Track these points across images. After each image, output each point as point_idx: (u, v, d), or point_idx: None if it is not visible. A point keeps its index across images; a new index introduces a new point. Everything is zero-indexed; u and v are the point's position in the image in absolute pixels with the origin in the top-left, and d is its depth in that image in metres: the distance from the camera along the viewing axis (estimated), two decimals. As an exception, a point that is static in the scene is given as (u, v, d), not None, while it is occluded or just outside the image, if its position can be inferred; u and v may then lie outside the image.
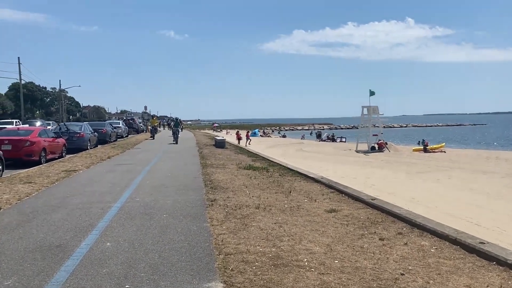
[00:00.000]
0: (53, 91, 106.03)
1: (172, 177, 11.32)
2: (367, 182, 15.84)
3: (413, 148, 34.91)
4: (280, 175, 11.77)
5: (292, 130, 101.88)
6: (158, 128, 43.50)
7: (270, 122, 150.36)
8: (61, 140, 18.06)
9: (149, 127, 40.34)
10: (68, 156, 17.84)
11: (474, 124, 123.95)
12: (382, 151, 31.44)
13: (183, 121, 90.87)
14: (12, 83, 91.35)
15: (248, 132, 40.96)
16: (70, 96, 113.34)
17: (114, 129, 31.26)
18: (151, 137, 32.75)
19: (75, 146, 20.34)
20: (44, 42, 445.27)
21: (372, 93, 33.60)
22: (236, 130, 59.02)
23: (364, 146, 32.83)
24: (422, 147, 33.45)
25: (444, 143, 36.88)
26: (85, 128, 22.15)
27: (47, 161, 15.81)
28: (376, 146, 32.11)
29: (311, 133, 73.39)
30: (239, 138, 35.99)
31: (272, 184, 10.10)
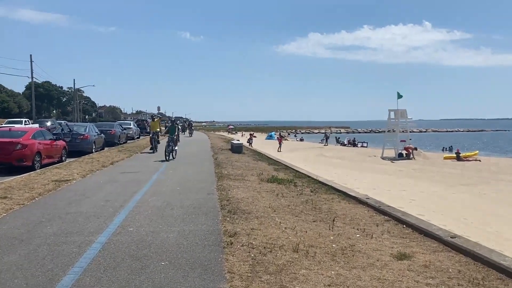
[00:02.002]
0: (70, 90, 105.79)
1: (181, 192, 9.26)
2: (405, 196, 13.86)
3: (444, 156, 32.39)
4: (312, 192, 9.64)
5: (309, 133, 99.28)
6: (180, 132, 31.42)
7: (285, 125, 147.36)
8: (61, 143, 16.16)
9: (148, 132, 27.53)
10: (68, 160, 15.98)
11: (497, 130, 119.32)
12: (410, 159, 29.07)
13: (194, 122, 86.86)
14: (29, 83, 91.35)
15: (281, 137, 39.04)
16: (86, 96, 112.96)
17: (124, 131, 29.44)
18: (150, 149, 21.05)
19: (78, 149, 18.55)
20: (63, 42, 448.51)
21: (400, 96, 31.26)
22: (250, 132, 57.31)
23: (390, 153, 30.53)
24: (455, 155, 30.88)
25: (477, 151, 34.19)
26: (90, 129, 20.28)
27: (42, 166, 13.95)
28: (404, 153, 29.72)
29: (329, 137, 70.84)
30: (250, 140, 34.98)
31: (305, 205, 7.96)
